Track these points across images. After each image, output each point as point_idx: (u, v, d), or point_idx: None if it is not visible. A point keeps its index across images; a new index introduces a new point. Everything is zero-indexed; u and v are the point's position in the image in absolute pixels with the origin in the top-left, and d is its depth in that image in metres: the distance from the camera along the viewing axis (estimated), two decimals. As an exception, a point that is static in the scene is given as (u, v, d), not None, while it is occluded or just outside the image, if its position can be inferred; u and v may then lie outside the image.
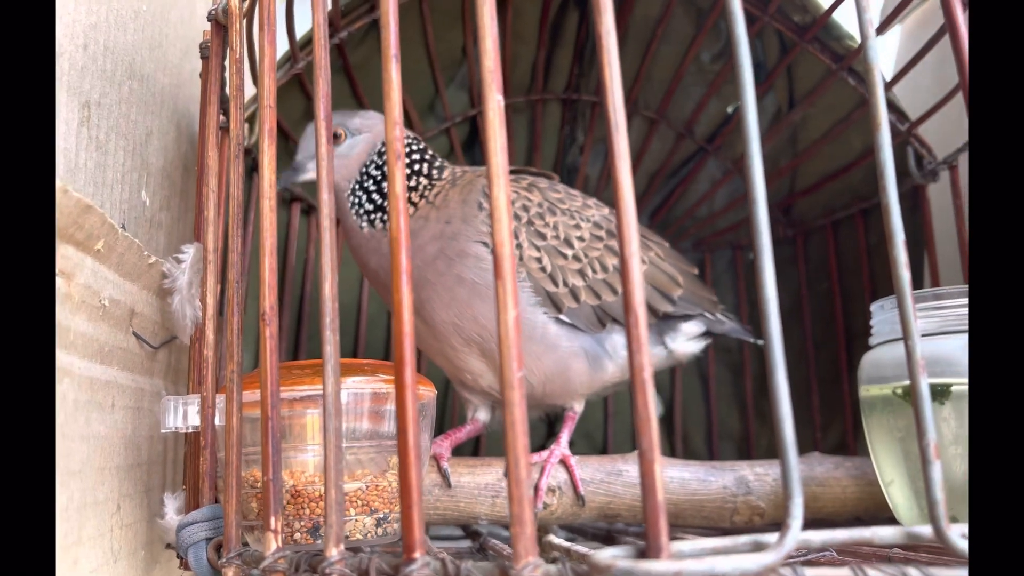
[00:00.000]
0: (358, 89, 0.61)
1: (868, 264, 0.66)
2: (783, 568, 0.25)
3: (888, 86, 0.57)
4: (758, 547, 0.24)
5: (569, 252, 0.50)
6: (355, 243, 0.51)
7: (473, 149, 0.71)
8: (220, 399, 0.38)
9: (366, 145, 0.52)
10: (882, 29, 0.54)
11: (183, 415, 0.38)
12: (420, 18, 0.60)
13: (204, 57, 0.44)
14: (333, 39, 0.56)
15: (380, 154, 0.52)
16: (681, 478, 0.51)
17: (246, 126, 0.54)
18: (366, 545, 0.38)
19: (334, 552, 0.28)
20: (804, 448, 0.63)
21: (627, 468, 0.51)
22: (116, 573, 0.40)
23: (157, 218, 0.48)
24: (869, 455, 0.47)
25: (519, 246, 0.49)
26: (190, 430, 0.39)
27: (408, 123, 0.66)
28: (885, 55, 0.84)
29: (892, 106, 0.59)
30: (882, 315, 0.46)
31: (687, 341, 0.57)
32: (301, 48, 0.55)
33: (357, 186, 0.51)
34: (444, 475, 0.49)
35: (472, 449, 0.72)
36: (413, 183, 0.51)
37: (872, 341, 0.47)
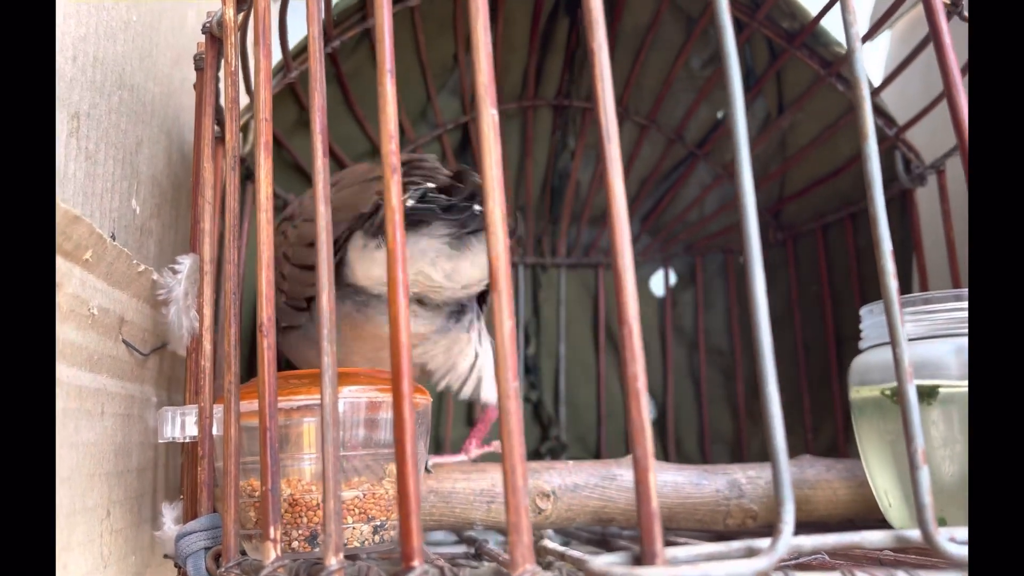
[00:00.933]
0: (350, 97, 0.62)
1: (857, 267, 0.67)
2: (775, 572, 0.25)
3: (876, 92, 0.58)
4: (751, 552, 0.25)
5: None
6: None
7: (465, 155, 0.71)
8: (218, 409, 0.38)
9: None
10: (871, 34, 0.55)
11: (181, 425, 0.38)
12: (412, 26, 0.60)
13: (199, 69, 0.44)
14: (326, 48, 0.56)
15: None
16: (675, 482, 0.51)
17: (240, 135, 0.54)
18: (363, 552, 0.39)
19: (333, 561, 0.28)
20: (795, 450, 0.64)
21: (621, 472, 0.51)
22: (111, 581, 0.40)
23: (147, 226, 0.48)
24: (860, 457, 0.47)
25: None
26: (188, 440, 0.39)
27: (400, 130, 0.67)
28: (874, 58, 0.85)
29: (880, 111, 0.59)
30: (871, 319, 0.47)
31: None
32: (294, 57, 0.55)
33: None
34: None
35: (467, 454, 0.72)
36: None
37: (861, 345, 0.47)
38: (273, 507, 0.31)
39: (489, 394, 0.51)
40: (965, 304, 0.42)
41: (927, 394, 0.41)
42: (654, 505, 0.24)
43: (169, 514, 0.40)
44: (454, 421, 0.72)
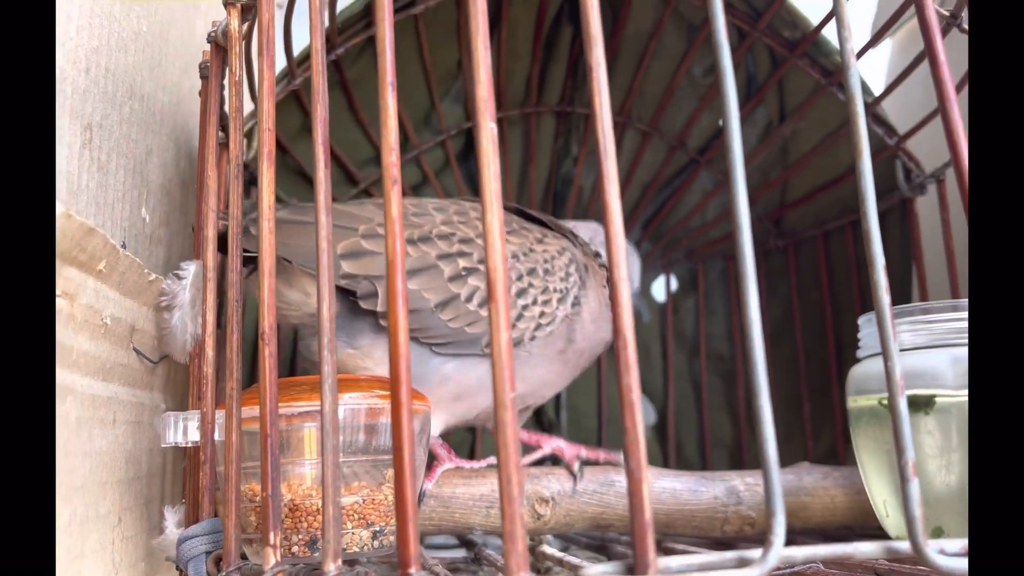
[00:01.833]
0: (355, 104, 0.62)
1: (858, 275, 0.67)
2: (768, 582, 0.26)
3: (876, 101, 0.58)
4: (743, 563, 0.25)
5: None
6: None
7: (468, 161, 0.72)
8: (220, 415, 0.38)
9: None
10: (873, 43, 0.55)
11: (183, 430, 0.39)
12: (416, 33, 0.61)
13: (204, 77, 0.45)
14: (330, 55, 0.57)
15: None
16: (672, 489, 0.51)
17: (245, 141, 0.55)
18: (363, 558, 0.39)
19: (331, 567, 0.29)
20: (795, 457, 0.64)
21: (620, 479, 0.51)
22: (117, 585, 0.40)
23: (157, 234, 0.49)
24: (857, 465, 0.47)
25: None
26: (190, 445, 0.40)
27: (404, 135, 0.67)
28: (877, 66, 0.85)
29: (880, 120, 0.60)
30: (870, 328, 0.47)
31: None
32: (299, 64, 0.55)
33: None
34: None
35: (467, 458, 0.73)
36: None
37: (860, 354, 0.48)
38: (273, 513, 0.32)
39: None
40: (962, 314, 0.43)
41: (924, 404, 0.42)
42: (647, 516, 0.24)
43: (171, 518, 0.41)
44: (454, 428, 0.72)
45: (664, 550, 0.49)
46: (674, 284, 0.78)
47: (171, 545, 0.39)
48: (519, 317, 0.50)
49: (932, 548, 0.26)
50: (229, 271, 0.37)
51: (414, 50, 0.62)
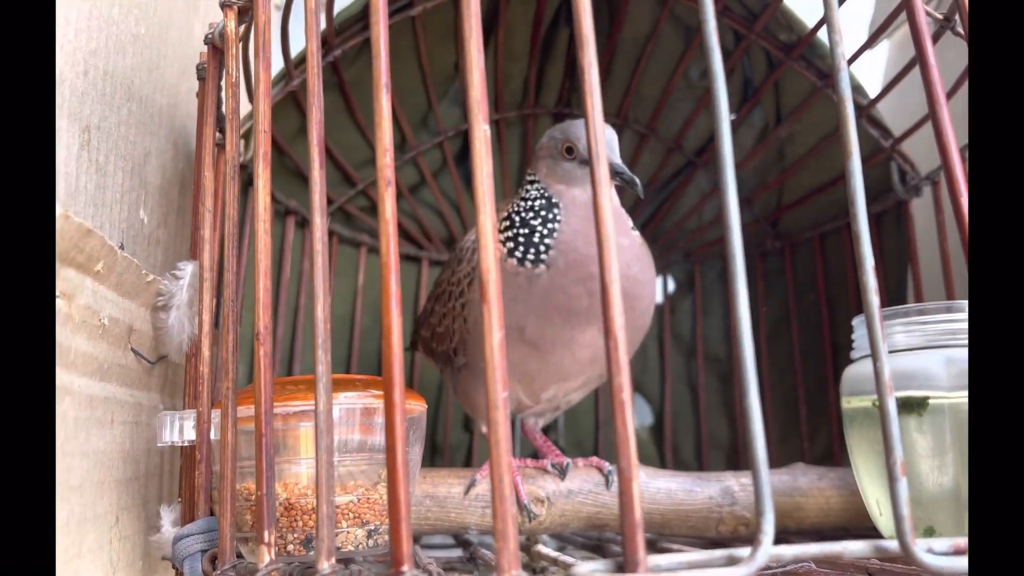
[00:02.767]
0: (352, 105, 0.63)
1: (854, 276, 0.67)
2: (758, 581, 0.26)
3: (872, 103, 0.58)
4: (731, 561, 0.25)
5: None
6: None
7: (466, 162, 0.72)
8: (215, 414, 0.39)
9: None
10: (869, 44, 0.56)
11: (179, 429, 0.39)
12: (413, 35, 0.61)
13: (201, 79, 0.45)
14: (328, 57, 0.57)
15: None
16: (668, 489, 0.52)
17: (242, 142, 0.55)
18: (358, 556, 0.39)
19: (325, 566, 0.29)
20: (791, 457, 0.64)
21: (615, 479, 0.52)
22: (114, 584, 0.41)
23: (155, 235, 0.49)
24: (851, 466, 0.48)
25: None
26: (186, 444, 0.40)
27: (401, 136, 0.67)
28: (874, 69, 0.85)
29: (876, 123, 0.60)
30: (863, 330, 0.48)
31: None
32: (296, 66, 0.56)
33: None
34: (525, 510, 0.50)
35: (465, 459, 0.73)
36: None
37: (853, 355, 0.48)
38: (268, 511, 0.32)
39: None
40: (957, 315, 0.43)
41: (917, 405, 0.42)
42: (637, 515, 0.24)
43: (167, 517, 0.41)
44: (452, 426, 0.73)
45: (659, 550, 0.49)
46: (671, 285, 0.78)
47: (167, 544, 0.39)
48: None
49: (921, 547, 0.26)
50: (226, 270, 0.37)
51: (412, 52, 0.62)
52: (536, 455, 0.74)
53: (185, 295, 0.43)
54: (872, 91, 0.59)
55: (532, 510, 0.50)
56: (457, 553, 0.52)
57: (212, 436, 0.39)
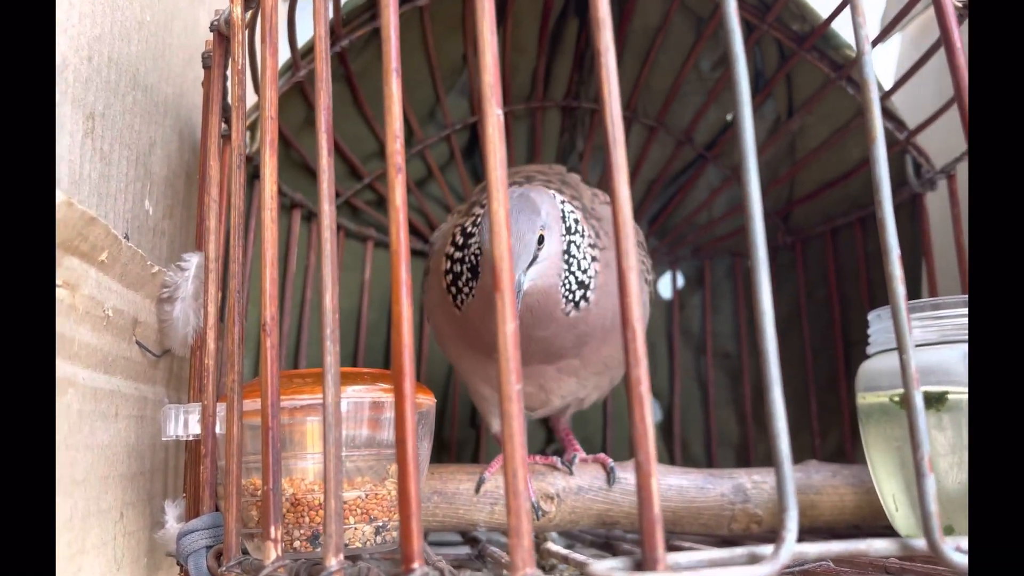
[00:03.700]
0: (359, 96, 0.62)
1: (866, 271, 0.66)
2: (779, 580, 0.25)
3: (887, 95, 0.57)
4: (754, 559, 0.25)
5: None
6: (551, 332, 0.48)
7: (473, 156, 0.71)
8: (221, 408, 0.38)
9: (556, 232, 0.47)
10: (882, 37, 0.55)
11: (184, 423, 0.38)
12: (421, 27, 0.60)
13: (206, 67, 0.45)
14: (335, 47, 0.56)
15: (570, 229, 0.47)
16: (679, 486, 0.51)
17: (248, 134, 0.54)
18: (365, 553, 0.39)
19: (333, 562, 0.28)
20: (802, 455, 0.63)
21: (625, 476, 0.51)
22: (118, 580, 0.40)
23: (160, 226, 0.48)
24: (866, 462, 0.47)
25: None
26: (191, 438, 0.39)
27: (408, 130, 0.67)
28: (886, 61, 0.84)
29: (890, 115, 0.59)
30: (879, 324, 0.47)
31: None
32: (303, 56, 0.55)
33: (566, 274, 0.47)
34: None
35: (472, 455, 0.72)
36: (592, 240, 0.48)
37: (869, 350, 0.47)
38: (274, 507, 0.31)
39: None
40: (975, 310, 0.42)
41: (935, 400, 0.41)
42: (656, 510, 0.24)
43: (171, 512, 0.40)
44: (459, 422, 0.72)
45: (671, 548, 0.48)
46: (680, 281, 0.78)
47: (172, 539, 0.39)
48: None
49: (948, 545, 0.25)
50: (232, 262, 0.36)
51: (419, 43, 0.62)
52: (543, 452, 0.73)
53: (190, 287, 0.42)
54: (885, 84, 0.58)
55: (542, 507, 0.49)
56: (465, 551, 0.52)
57: (217, 430, 0.38)
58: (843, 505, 0.52)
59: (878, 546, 0.26)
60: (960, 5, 0.44)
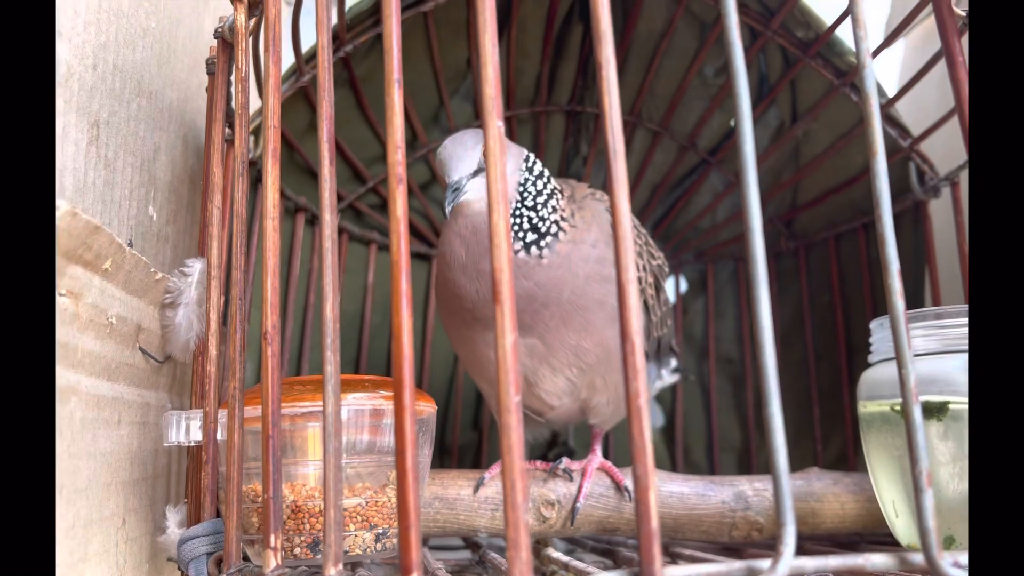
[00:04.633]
0: (363, 101, 0.62)
1: (869, 277, 0.66)
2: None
3: (890, 102, 0.57)
4: (752, 573, 0.25)
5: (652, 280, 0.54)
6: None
7: (477, 160, 0.71)
8: (222, 414, 0.38)
9: (514, 163, 0.48)
10: (887, 44, 0.54)
11: (186, 429, 0.39)
12: (425, 31, 0.60)
13: (210, 73, 0.45)
14: (339, 52, 0.56)
15: (531, 170, 0.49)
16: (680, 493, 0.51)
17: (251, 139, 0.55)
18: (365, 560, 0.39)
19: (332, 571, 0.28)
20: (805, 461, 0.63)
21: (626, 483, 0.51)
22: (119, 585, 0.40)
23: (164, 232, 0.48)
24: (868, 470, 0.47)
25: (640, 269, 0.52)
26: (193, 444, 0.39)
27: (412, 133, 0.67)
28: (889, 68, 0.84)
29: (894, 122, 0.59)
30: (881, 333, 0.47)
31: (670, 373, 0.63)
32: (306, 61, 0.55)
33: (518, 206, 0.48)
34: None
35: (474, 460, 0.72)
36: (557, 204, 0.48)
37: (871, 359, 0.47)
38: (275, 515, 0.31)
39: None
40: (977, 320, 0.42)
41: (937, 410, 0.41)
42: (654, 524, 0.24)
43: (173, 518, 0.40)
44: (461, 427, 0.72)
45: (671, 555, 0.48)
46: (683, 286, 0.78)
47: (173, 545, 0.39)
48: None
49: (947, 561, 0.25)
50: (234, 268, 0.37)
51: (424, 48, 0.62)
52: (545, 457, 0.73)
53: (194, 293, 0.42)
54: (889, 91, 0.58)
55: (542, 513, 0.49)
56: (466, 555, 0.52)
57: (219, 436, 0.38)
58: (844, 513, 0.52)
59: (876, 560, 0.26)
60: (962, 14, 0.44)
